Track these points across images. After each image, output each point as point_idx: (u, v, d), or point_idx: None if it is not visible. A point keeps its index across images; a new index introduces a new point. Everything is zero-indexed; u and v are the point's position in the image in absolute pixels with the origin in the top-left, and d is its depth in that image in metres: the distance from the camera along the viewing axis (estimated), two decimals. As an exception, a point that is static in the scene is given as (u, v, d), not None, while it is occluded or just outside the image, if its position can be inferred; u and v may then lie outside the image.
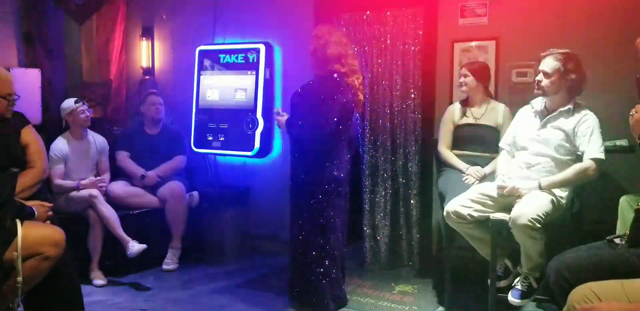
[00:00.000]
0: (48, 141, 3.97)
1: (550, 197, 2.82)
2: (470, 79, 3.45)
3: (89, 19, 4.95)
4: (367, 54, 4.10)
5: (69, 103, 4.10)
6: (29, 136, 2.99)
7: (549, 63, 2.96)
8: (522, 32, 3.63)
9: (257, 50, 4.46)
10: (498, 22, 3.71)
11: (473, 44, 3.77)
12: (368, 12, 4.09)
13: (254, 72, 4.47)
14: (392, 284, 3.78)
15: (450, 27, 3.84)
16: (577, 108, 2.97)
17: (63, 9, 4.81)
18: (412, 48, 3.96)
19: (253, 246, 4.58)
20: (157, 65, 5.07)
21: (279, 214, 4.32)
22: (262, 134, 4.42)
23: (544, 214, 2.69)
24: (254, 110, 4.43)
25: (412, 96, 3.97)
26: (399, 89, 4.01)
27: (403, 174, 4.03)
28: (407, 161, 4.00)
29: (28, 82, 4.53)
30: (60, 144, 4.06)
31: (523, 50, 3.60)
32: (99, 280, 3.87)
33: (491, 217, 2.90)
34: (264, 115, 4.41)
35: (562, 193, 2.92)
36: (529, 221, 2.65)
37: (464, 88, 3.49)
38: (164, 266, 4.20)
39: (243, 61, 4.52)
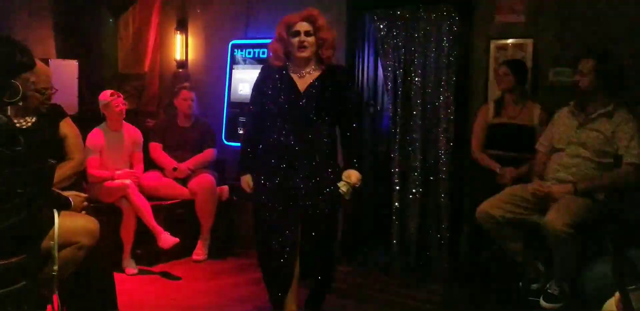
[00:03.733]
0: (84, 132, 4.05)
1: (587, 201, 2.77)
2: (510, 78, 3.39)
3: (125, 12, 5.01)
4: (399, 50, 4.06)
5: (105, 95, 4.18)
6: (67, 129, 3.06)
7: (586, 63, 2.90)
8: (561, 30, 3.55)
9: (290, 45, 4.45)
10: (536, 19, 3.64)
11: (509, 41, 3.71)
12: (402, 8, 4.04)
13: (286, 67, 4.47)
14: (421, 283, 3.77)
15: (486, 24, 3.78)
16: (617, 110, 2.90)
17: (100, 2, 4.88)
18: (447, 45, 3.91)
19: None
20: (190, 58, 5.11)
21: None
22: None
23: (578, 220, 2.64)
24: (285, 104, 4.43)
25: (446, 93, 3.92)
26: (432, 87, 3.96)
27: (434, 173, 3.99)
28: (439, 160, 3.96)
29: (66, 73, 4.63)
30: (97, 135, 4.14)
31: (561, 49, 3.53)
32: (131, 268, 3.95)
33: (524, 220, 2.86)
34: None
35: (600, 196, 2.86)
36: (563, 226, 2.61)
37: (503, 87, 3.42)
38: (194, 257, 4.26)
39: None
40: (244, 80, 4.68)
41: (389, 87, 4.11)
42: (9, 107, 2.49)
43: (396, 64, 4.07)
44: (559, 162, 2.97)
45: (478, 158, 3.46)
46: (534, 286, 3.02)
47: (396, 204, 4.07)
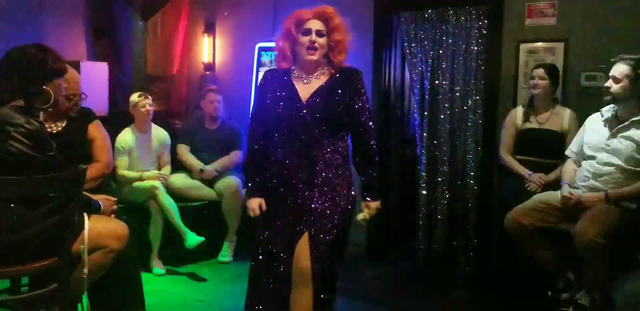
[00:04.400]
0: (114, 133, 4.13)
1: (618, 211, 2.71)
2: (545, 82, 3.33)
3: (154, 15, 5.07)
4: (427, 53, 4.03)
5: (133, 97, 4.24)
6: (96, 132, 3.11)
7: (618, 68, 2.84)
8: (593, 34, 3.48)
9: (316, 48, 4.45)
10: (567, 22, 3.58)
11: (540, 44, 3.65)
12: (430, 10, 4.01)
13: (313, 69, 4.46)
14: (447, 289, 3.74)
15: (516, 27, 3.73)
16: (651, 118, 2.83)
17: (130, 5, 4.94)
18: (475, 48, 3.87)
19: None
20: (217, 61, 5.16)
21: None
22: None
23: (610, 230, 2.59)
24: (311, 107, 4.43)
25: (474, 97, 3.88)
26: (460, 90, 3.93)
27: (462, 177, 3.95)
28: (467, 164, 3.92)
29: (96, 75, 4.70)
30: (126, 136, 4.20)
31: (593, 53, 3.47)
32: (159, 268, 4.00)
33: (554, 228, 2.81)
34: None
35: (632, 205, 2.80)
36: (594, 236, 2.56)
37: (537, 91, 3.36)
38: (220, 258, 4.29)
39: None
40: (270, 82, 4.68)
41: (415, 90, 4.08)
42: (41, 113, 2.55)
43: (423, 67, 4.04)
44: (590, 170, 2.91)
45: (507, 163, 3.41)
46: (564, 296, 2.96)
47: (423, 209, 4.04)
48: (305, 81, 2.44)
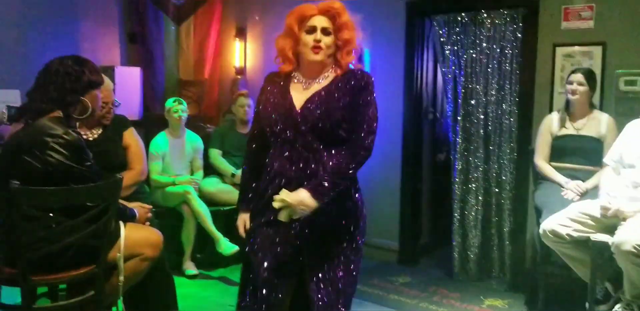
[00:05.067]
0: (147, 137, 4.18)
1: (660, 221, 2.63)
2: (584, 88, 3.25)
3: (187, 20, 5.12)
4: (460, 56, 3.98)
5: (168, 102, 4.30)
6: (130, 139, 3.15)
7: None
8: (632, 37, 3.38)
9: (348, 52, 4.43)
10: (605, 26, 3.48)
11: (577, 48, 3.57)
12: (463, 14, 3.95)
13: (344, 74, 4.44)
14: (481, 297, 3.68)
15: (552, 31, 3.65)
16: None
17: (163, 10, 5.00)
18: (510, 51, 3.81)
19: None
20: (248, 65, 5.18)
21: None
22: (350, 136, 4.40)
23: (651, 241, 2.52)
24: (342, 112, 4.42)
25: (509, 101, 3.82)
26: (495, 94, 3.87)
27: (496, 183, 3.90)
28: (501, 169, 3.87)
29: (130, 80, 4.77)
30: (160, 141, 4.26)
31: (632, 57, 3.37)
32: (191, 270, 4.05)
33: (592, 238, 2.75)
34: (352, 117, 4.40)
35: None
36: (634, 248, 2.49)
37: (576, 97, 3.27)
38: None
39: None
40: (301, 87, 4.69)
41: (449, 94, 4.03)
42: (77, 123, 2.60)
43: (456, 71, 3.99)
44: (630, 178, 2.83)
45: (542, 170, 3.35)
46: (602, 307, 2.89)
47: (456, 215, 3.99)
48: (304, 86, 2.15)
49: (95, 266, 2.38)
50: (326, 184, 2.03)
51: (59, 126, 2.28)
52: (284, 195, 1.99)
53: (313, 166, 2.08)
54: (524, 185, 3.74)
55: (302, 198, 1.99)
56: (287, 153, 2.12)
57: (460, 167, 3.98)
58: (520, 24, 3.75)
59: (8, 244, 2.26)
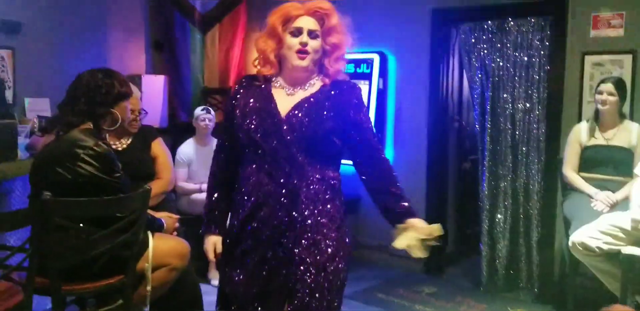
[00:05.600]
0: (173, 145, 4.22)
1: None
2: (615, 98, 3.19)
3: (212, 28, 5.16)
4: (486, 64, 3.94)
5: (197, 110, 4.34)
6: (158, 149, 3.19)
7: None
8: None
9: (371, 60, 4.44)
10: (635, 34, 3.43)
11: (606, 57, 3.51)
12: (489, 22, 3.92)
13: (367, 82, 4.45)
14: (509, 308, 3.63)
15: (580, 39, 3.60)
16: None
17: (188, 19, 5.06)
18: (537, 60, 3.76)
19: (362, 256, 4.59)
20: (273, 72, 5.20)
21: (387, 226, 4.28)
22: (374, 144, 4.40)
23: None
24: (366, 120, 4.42)
25: (537, 110, 3.77)
26: (522, 103, 3.82)
27: (524, 193, 3.84)
28: (529, 179, 3.81)
29: (156, 88, 4.83)
30: (186, 149, 4.30)
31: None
32: (217, 278, 4.06)
33: (622, 251, 2.70)
34: (376, 125, 4.40)
35: None
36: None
37: (606, 107, 3.22)
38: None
39: (356, 71, 4.52)
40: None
41: (475, 102, 4.00)
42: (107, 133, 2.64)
43: (483, 79, 3.95)
44: (662, 190, 2.78)
45: (571, 181, 3.30)
46: (633, 321, 2.84)
47: (484, 225, 3.95)
48: (288, 92, 1.94)
49: (124, 276, 2.40)
50: (404, 202, 1.95)
51: (89, 138, 2.31)
52: (413, 235, 1.81)
53: (295, 181, 1.86)
54: (553, 195, 3.69)
55: (424, 224, 1.86)
56: (266, 166, 1.88)
57: (487, 176, 3.93)
58: (548, 32, 3.71)
59: (40, 254, 2.30)
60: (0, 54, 4.22)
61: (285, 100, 1.92)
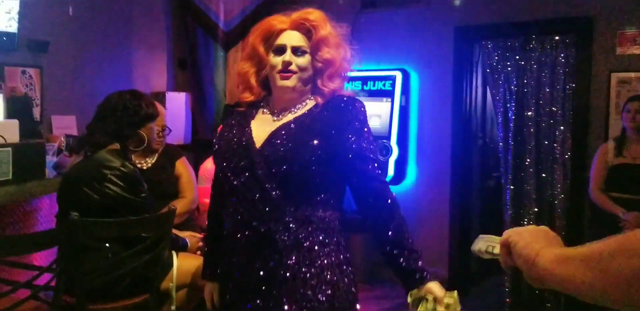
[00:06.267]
0: (196, 161, 4.25)
1: None
2: None
3: (235, 46, 5.22)
4: (510, 82, 3.92)
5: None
6: (183, 168, 3.21)
7: None
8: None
9: (393, 77, 4.44)
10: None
11: (633, 74, 3.47)
12: (513, 39, 3.91)
13: (389, 99, 4.45)
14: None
15: (606, 56, 3.57)
16: None
17: (212, 37, 5.12)
18: (563, 77, 3.73)
19: (383, 274, 4.55)
20: (295, 89, 5.22)
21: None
22: (396, 161, 4.39)
23: None
24: (387, 137, 4.41)
25: (562, 128, 3.74)
26: (547, 121, 3.79)
27: (550, 212, 3.79)
28: (555, 198, 3.76)
29: (179, 105, 4.89)
30: (209, 165, 4.31)
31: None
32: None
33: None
34: (398, 142, 4.38)
35: None
36: None
37: (633, 125, 3.18)
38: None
39: (379, 88, 4.52)
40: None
41: (499, 119, 3.97)
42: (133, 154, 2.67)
43: (507, 96, 3.93)
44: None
45: (598, 200, 3.24)
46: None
47: (507, 244, 3.89)
48: (275, 118, 1.67)
49: (149, 296, 2.41)
50: (417, 255, 1.59)
51: (116, 159, 2.34)
52: (431, 307, 1.54)
53: (271, 225, 1.54)
54: (579, 214, 3.63)
55: (441, 295, 1.55)
56: (240, 208, 1.59)
57: (511, 194, 3.89)
58: (573, 50, 3.68)
59: (67, 273, 2.32)
60: (28, 72, 4.31)
61: (265, 128, 1.63)
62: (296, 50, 1.64)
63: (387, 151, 4.39)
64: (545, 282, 0.92)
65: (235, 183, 1.59)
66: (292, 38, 1.65)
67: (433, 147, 4.30)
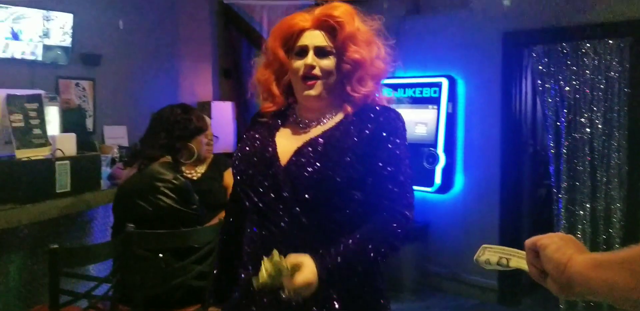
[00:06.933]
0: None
1: None
2: None
3: (279, 55, 5.27)
4: (562, 88, 3.82)
5: None
6: (231, 179, 3.23)
7: None
8: None
9: (439, 84, 4.39)
10: None
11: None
12: (564, 44, 3.81)
13: (436, 107, 4.39)
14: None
15: (664, 60, 3.43)
16: None
17: (256, 46, 5.18)
18: (617, 83, 3.61)
19: (432, 284, 4.49)
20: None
21: (458, 253, 4.20)
22: (443, 169, 4.33)
23: None
24: (434, 145, 4.36)
25: (617, 135, 3.61)
26: (601, 127, 3.67)
27: (605, 221, 3.66)
28: (610, 207, 3.64)
29: (224, 114, 4.96)
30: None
31: None
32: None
33: None
34: (445, 150, 4.32)
35: None
36: None
37: None
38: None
39: (424, 95, 4.48)
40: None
41: (550, 127, 3.88)
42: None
43: (558, 103, 3.83)
44: None
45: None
46: None
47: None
48: (303, 129, 1.47)
49: (201, 306, 2.44)
50: (340, 257, 1.30)
51: (169, 172, 2.39)
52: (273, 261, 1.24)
53: (299, 252, 1.32)
54: (636, 224, 3.50)
55: (306, 276, 1.26)
56: (263, 232, 1.40)
57: (564, 204, 3.78)
58: (629, 54, 3.56)
59: (123, 284, 2.37)
60: (82, 85, 4.45)
61: (291, 141, 1.44)
62: (320, 51, 1.43)
63: (434, 159, 4.34)
64: (576, 288, 0.87)
65: (260, 204, 1.40)
66: (314, 38, 1.44)
67: (481, 155, 4.23)
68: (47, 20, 4.02)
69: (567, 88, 3.78)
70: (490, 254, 1.05)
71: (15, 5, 3.83)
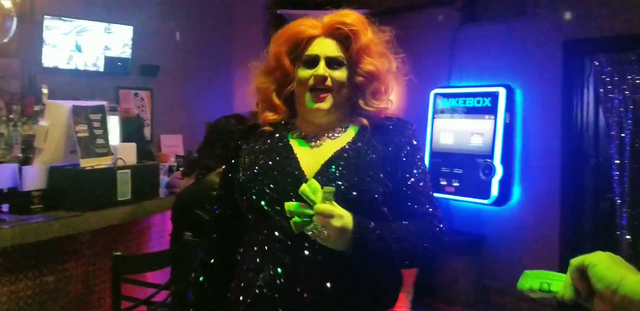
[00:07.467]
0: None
1: None
2: None
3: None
4: (627, 98, 3.67)
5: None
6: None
7: None
8: None
9: (496, 94, 4.29)
10: None
11: None
12: (628, 52, 3.66)
13: (492, 117, 4.29)
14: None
15: None
16: None
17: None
18: (687, 92, 3.45)
19: (487, 298, 4.36)
20: (392, 107, 5.18)
21: (514, 268, 4.06)
22: (500, 181, 4.21)
23: None
24: (490, 156, 4.25)
25: (687, 147, 3.45)
26: (669, 139, 3.51)
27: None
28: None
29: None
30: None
31: None
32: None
33: None
34: (502, 161, 4.21)
35: None
36: None
37: None
38: (397, 309, 4.20)
39: (480, 105, 4.38)
40: (446, 129, 4.60)
41: (614, 138, 3.73)
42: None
43: (622, 113, 3.68)
44: None
45: None
46: None
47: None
48: (312, 143, 1.36)
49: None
50: (380, 232, 1.21)
51: (224, 181, 2.41)
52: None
53: (321, 276, 1.23)
54: None
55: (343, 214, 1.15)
56: (279, 252, 1.25)
57: (629, 218, 3.62)
58: (700, 61, 3.40)
59: (181, 292, 2.40)
60: (140, 94, 4.58)
61: (310, 156, 1.32)
62: (332, 62, 1.32)
63: (490, 170, 4.23)
64: (630, 309, 0.82)
65: (281, 222, 1.23)
66: (326, 47, 1.33)
67: (540, 167, 4.10)
68: (108, 32, 4.16)
69: (632, 98, 3.64)
70: (533, 281, 0.98)
71: (78, 19, 3.98)
